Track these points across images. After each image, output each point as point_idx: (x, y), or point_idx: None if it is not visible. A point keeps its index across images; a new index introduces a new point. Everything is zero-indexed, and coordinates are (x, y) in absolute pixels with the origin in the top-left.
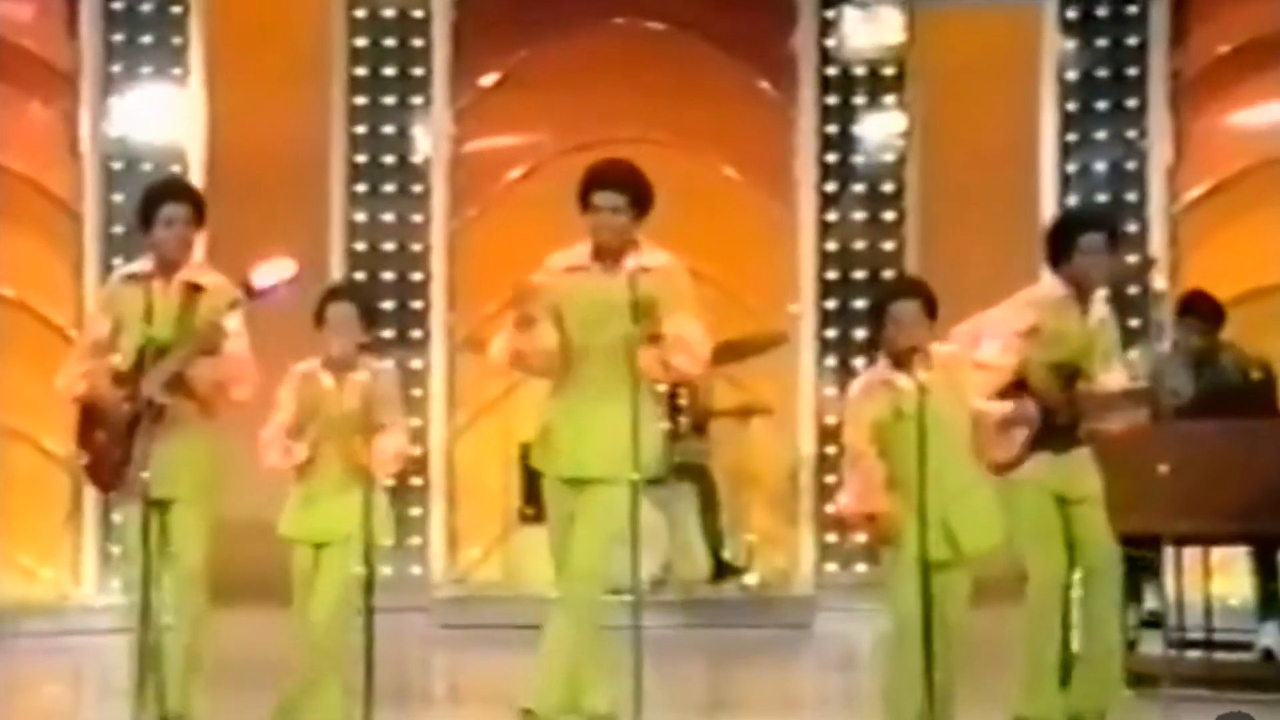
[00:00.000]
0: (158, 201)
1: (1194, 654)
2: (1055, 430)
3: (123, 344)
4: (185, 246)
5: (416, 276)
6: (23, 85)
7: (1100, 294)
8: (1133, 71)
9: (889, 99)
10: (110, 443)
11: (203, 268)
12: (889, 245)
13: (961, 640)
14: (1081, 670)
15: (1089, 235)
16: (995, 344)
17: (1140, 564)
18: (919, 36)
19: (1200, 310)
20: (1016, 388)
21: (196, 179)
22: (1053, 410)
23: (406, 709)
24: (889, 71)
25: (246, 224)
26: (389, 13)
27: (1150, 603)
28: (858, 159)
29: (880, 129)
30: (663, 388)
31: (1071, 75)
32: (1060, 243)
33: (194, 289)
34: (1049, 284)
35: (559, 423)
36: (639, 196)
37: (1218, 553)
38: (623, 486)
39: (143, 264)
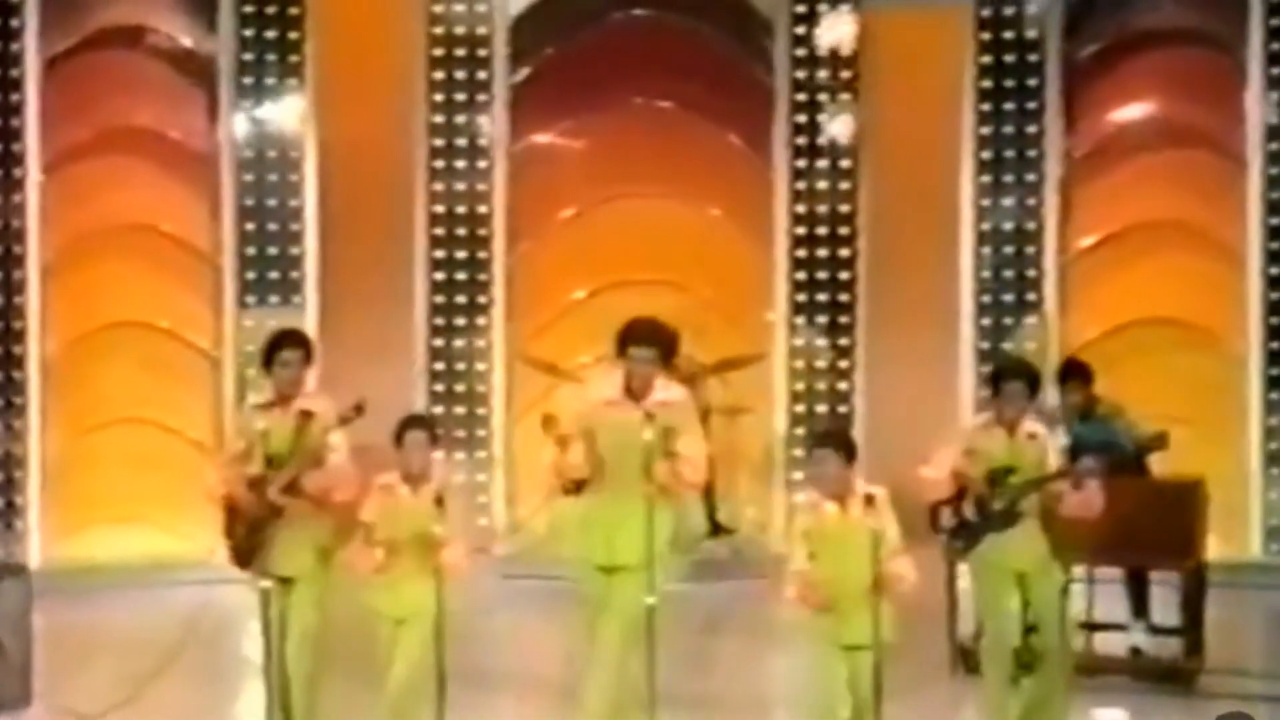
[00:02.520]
0: (276, 347)
1: (1078, 642)
2: (993, 516)
3: (255, 458)
4: (297, 383)
5: (482, 300)
6: (172, 165)
7: (1030, 418)
8: (1032, 153)
9: (845, 164)
10: (247, 534)
11: (315, 395)
12: (845, 275)
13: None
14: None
15: (1010, 383)
16: (936, 465)
17: None
18: (867, 120)
19: (1077, 373)
20: (960, 494)
21: (312, 234)
22: (986, 502)
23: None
24: (845, 143)
25: (353, 283)
26: (460, 96)
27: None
28: (820, 209)
29: (838, 187)
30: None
31: (986, 155)
32: (994, 383)
33: (306, 415)
34: (983, 415)
35: (592, 520)
36: (667, 349)
37: None
38: (645, 573)
39: (266, 395)
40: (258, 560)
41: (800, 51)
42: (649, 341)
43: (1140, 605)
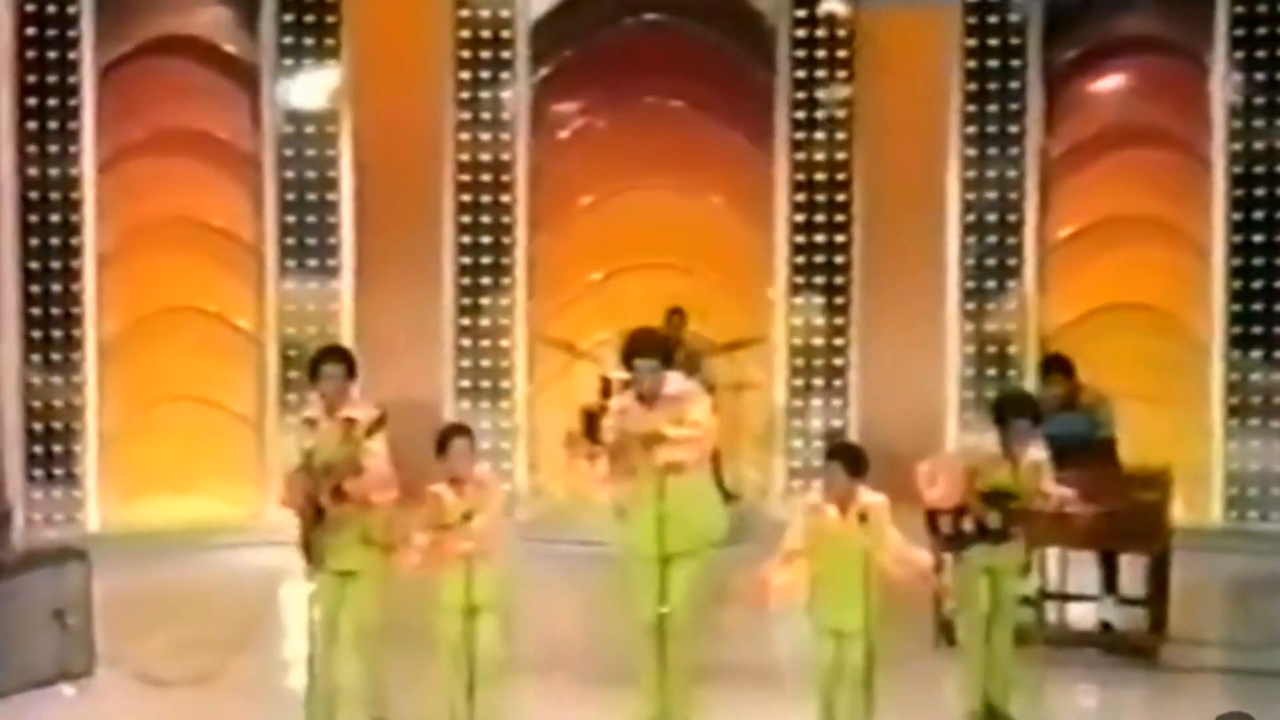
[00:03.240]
0: (320, 362)
1: (1052, 617)
2: (988, 532)
3: (312, 468)
4: (341, 394)
5: (505, 281)
6: (219, 164)
7: (1034, 447)
8: (1014, 151)
9: (840, 158)
10: (307, 534)
11: (358, 404)
12: (840, 260)
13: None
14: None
15: (1018, 420)
16: (942, 488)
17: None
18: (861, 118)
19: (1058, 367)
20: (961, 510)
21: (347, 225)
22: (984, 520)
23: None
24: (840, 139)
25: (386, 269)
26: (485, 95)
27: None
28: (818, 199)
29: (834, 179)
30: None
31: (971, 152)
32: (1000, 416)
33: (349, 422)
34: (989, 441)
35: (634, 518)
36: (666, 357)
37: None
38: (699, 558)
39: (316, 409)
40: (316, 558)
41: (799, 54)
42: (649, 352)
43: (1110, 583)
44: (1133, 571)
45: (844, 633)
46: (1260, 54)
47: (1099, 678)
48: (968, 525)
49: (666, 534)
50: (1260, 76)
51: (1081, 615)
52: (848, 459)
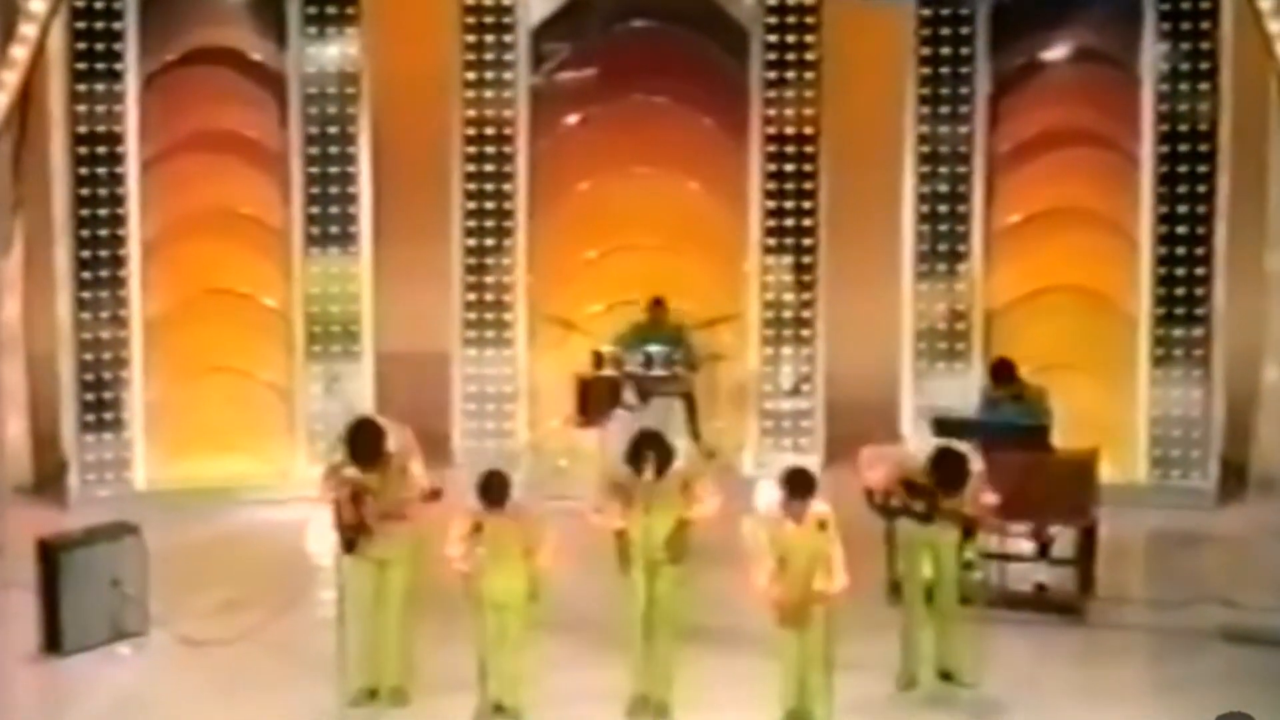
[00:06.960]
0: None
1: (992, 580)
2: (914, 513)
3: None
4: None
5: (506, 261)
6: (250, 160)
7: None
8: (963, 149)
9: (808, 150)
10: (351, 530)
11: (393, 426)
12: (808, 241)
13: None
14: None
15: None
16: (879, 477)
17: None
18: (827, 115)
19: (1004, 371)
20: (890, 493)
21: (367, 216)
22: (910, 505)
23: None
24: (809, 131)
25: (400, 255)
26: (489, 94)
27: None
28: (788, 186)
29: (802, 169)
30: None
31: (925, 150)
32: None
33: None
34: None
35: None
36: (666, 459)
37: None
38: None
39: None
40: (356, 551)
41: (770, 56)
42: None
43: (1044, 550)
44: (1064, 534)
45: (807, 618)
46: (1184, 66)
47: (1031, 636)
48: (895, 501)
49: (653, 544)
50: (1184, 86)
51: (1019, 577)
52: (807, 487)
